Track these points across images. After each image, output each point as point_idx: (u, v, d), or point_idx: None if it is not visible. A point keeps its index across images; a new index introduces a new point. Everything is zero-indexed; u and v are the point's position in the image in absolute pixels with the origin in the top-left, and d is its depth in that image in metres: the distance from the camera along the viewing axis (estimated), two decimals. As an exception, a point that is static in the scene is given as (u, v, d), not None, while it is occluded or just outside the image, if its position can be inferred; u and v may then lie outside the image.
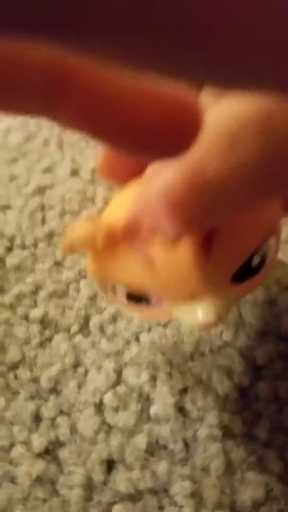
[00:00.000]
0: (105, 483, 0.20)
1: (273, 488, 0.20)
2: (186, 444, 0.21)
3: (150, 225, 0.15)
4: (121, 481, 0.20)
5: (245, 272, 0.17)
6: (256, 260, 0.17)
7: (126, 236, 0.15)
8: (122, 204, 0.16)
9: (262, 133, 0.12)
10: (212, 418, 0.22)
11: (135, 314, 0.19)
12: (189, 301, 0.17)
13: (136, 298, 0.18)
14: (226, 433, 0.22)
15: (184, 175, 0.13)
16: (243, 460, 0.21)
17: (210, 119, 0.12)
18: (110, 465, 0.21)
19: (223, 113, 0.13)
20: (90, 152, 0.36)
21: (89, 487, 0.20)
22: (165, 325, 0.26)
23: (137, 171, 0.17)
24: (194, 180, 0.13)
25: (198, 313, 0.17)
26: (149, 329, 0.25)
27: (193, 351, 0.24)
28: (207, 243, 0.16)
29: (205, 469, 0.21)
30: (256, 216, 0.16)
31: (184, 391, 0.23)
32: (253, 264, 0.17)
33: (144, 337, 0.25)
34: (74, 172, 0.34)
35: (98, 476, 0.21)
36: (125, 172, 0.17)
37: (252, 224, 0.16)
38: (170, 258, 0.16)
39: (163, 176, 0.13)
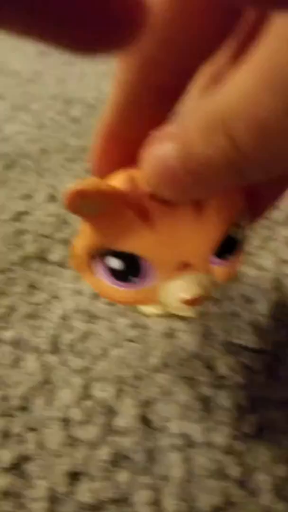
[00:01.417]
0: (69, 495, 0.21)
1: (233, 494, 0.21)
2: (148, 454, 0.22)
3: (151, 190, 0.15)
4: (84, 492, 0.21)
5: (226, 250, 0.18)
6: (239, 234, 0.18)
7: (128, 196, 0.16)
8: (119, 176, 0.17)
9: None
10: (173, 427, 0.22)
11: (119, 299, 0.19)
12: (179, 272, 0.17)
13: (125, 273, 0.18)
14: (187, 441, 0.22)
15: (178, 150, 0.13)
16: (203, 468, 0.21)
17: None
18: (74, 477, 0.21)
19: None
20: (67, 178, 0.37)
21: (53, 499, 0.21)
22: (133, 340, 0.26)
23: (126, 163, 0.17)
24: (185, 156, 0.13)
25: (184, 288, 0.17)
26: (118, 345, 0.26)
27: (159, 364, 0.25)
28: (197, 206, 0.16)
29: (166, 478, 0.21)
30: (232, 192, 0.17)
31: (148, 402, 0.24)
32: (236, 236, 0.18)
33: (113, 352, 0.26)
34: (51, 198, 0.36)
35: (62, 488, 0.21)
36: (115, 162, 0.17)
37: (231, 197, 0.17)
38: (167, 218, 0.16)
39: (157, 148, 0.14)
